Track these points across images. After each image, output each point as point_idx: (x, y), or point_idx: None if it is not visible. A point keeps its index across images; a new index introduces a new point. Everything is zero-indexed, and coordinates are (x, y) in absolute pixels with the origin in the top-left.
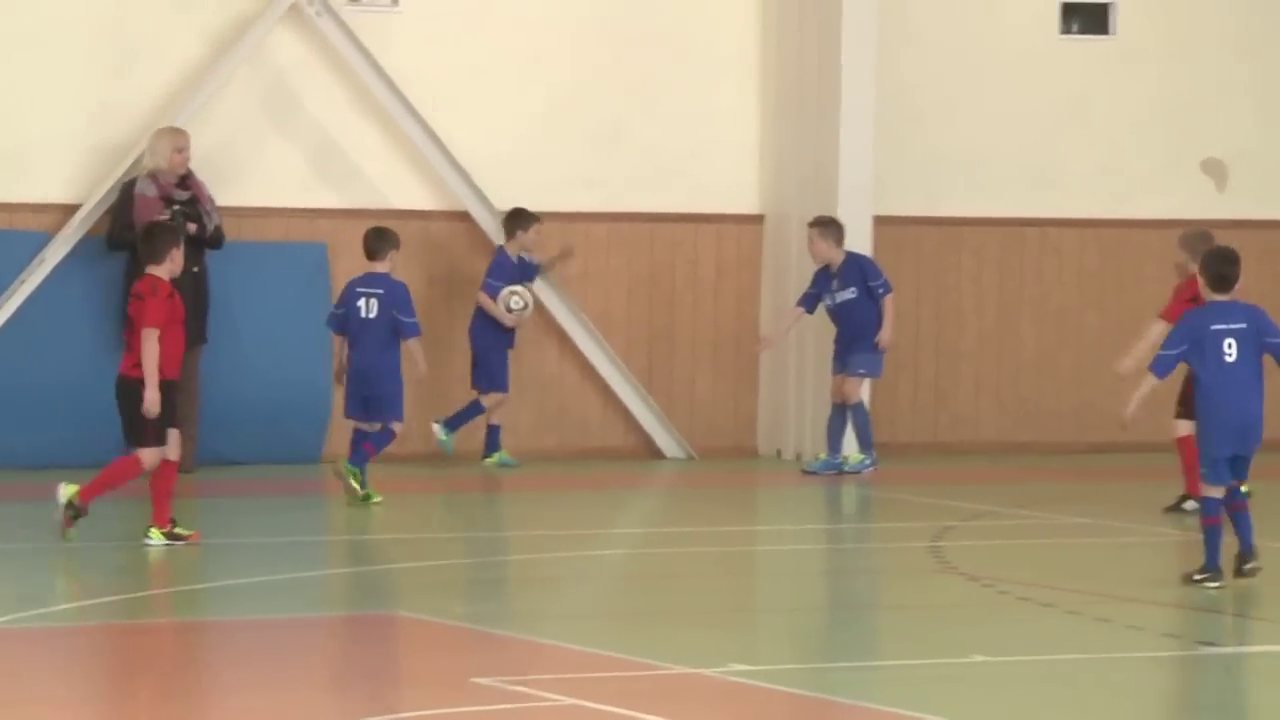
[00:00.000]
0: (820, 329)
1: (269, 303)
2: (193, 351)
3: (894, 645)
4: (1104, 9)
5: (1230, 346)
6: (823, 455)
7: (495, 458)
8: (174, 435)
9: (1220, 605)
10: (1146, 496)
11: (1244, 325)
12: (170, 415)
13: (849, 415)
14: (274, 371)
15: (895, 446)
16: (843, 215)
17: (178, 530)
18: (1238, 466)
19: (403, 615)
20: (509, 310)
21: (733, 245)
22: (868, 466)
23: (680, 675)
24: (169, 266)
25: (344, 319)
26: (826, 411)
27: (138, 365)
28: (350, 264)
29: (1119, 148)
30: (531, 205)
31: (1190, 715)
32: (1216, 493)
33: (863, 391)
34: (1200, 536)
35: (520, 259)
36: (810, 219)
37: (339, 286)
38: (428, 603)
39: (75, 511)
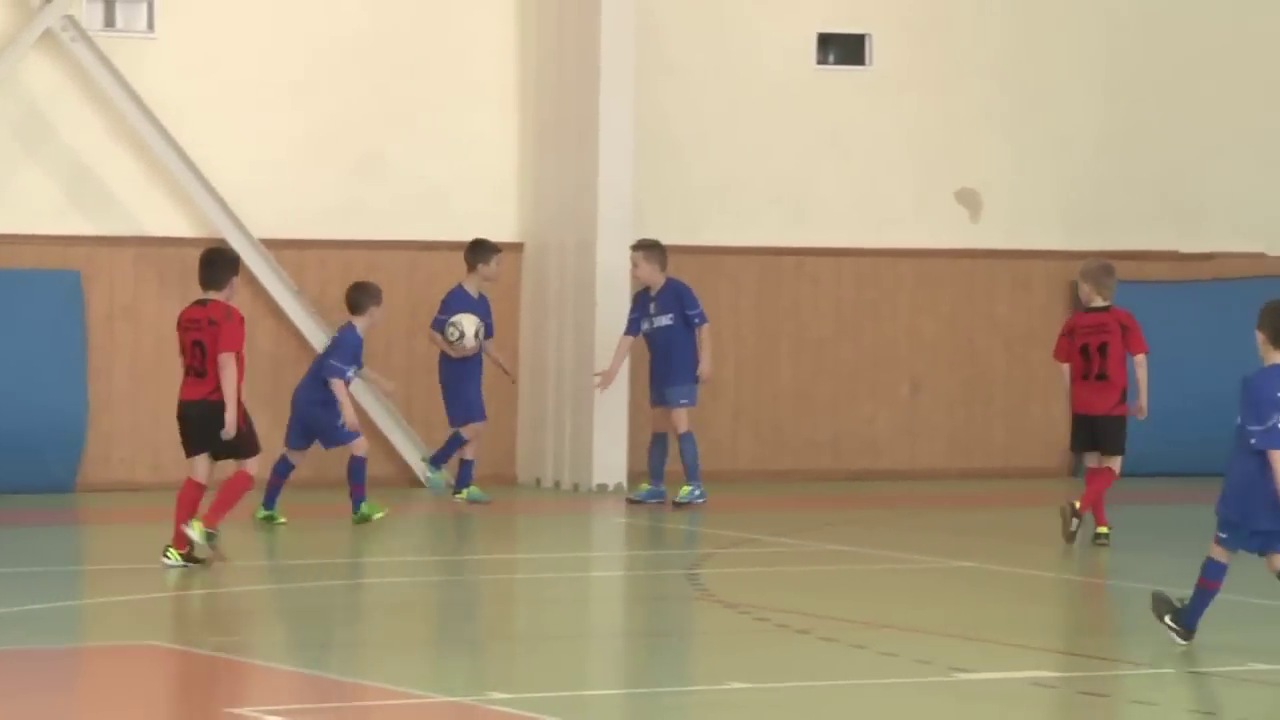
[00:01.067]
0: (578, 355)
1: (22, 331)
2: None
3: (652, 673)
4: (860, 40)
5: None
6: (645, 485)
7: (465, 493)
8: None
9: (973, 632)
10: (901, 523)
11: None
12: (251, 432)
13: (679, 446)
14: (27, 400)
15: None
16: (602, 243)
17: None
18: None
19: (156, 645)
20: (449, 341)
21: None
22: (698, 498)
23: (439, 704)
24: (228, 293)
25: None
26: (582, 438)
27: (218, 390)
28: (105, 292)
29: (874, 177)
30: (291, 234)
31: None
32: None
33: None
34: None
35: (480, 295)
36: (574, 246)
37: (93, 314)
38: (182, 633)
39: (210, 537)
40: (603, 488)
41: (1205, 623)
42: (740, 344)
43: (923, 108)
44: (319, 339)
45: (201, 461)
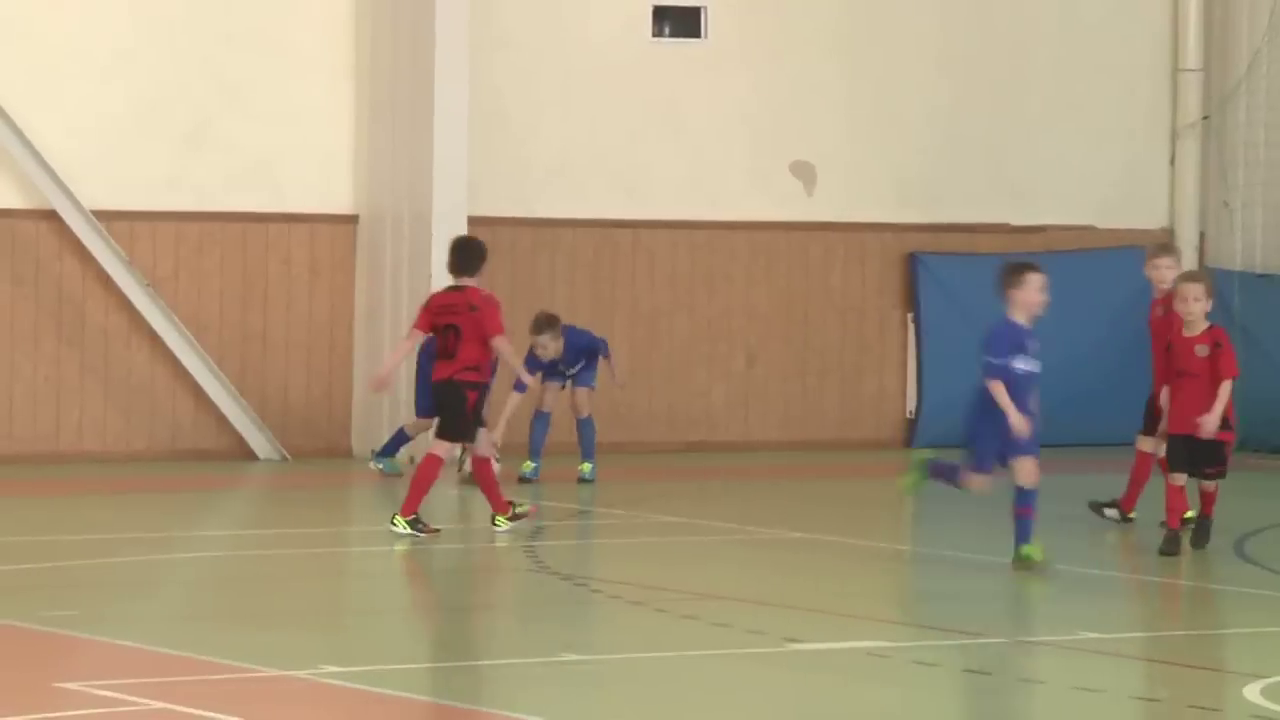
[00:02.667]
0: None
1: None
2: None
3: (486, 645)
4: (695, 13)
5: None
6: (530, 463)
7: (385, 464)
8: (483, 434)
9: (807, 603)
10: (735, 495)
11: None
12: (479, 416)
13: (578, 427)
14: None
15: None
16: (437, 216)
17: (421, 521)
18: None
19: None
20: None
21: (326, 245)
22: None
23: (271, 677)
24: (481, 279)
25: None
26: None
27: (466, 369)
28: None
29: (709, 151)
30: (122, 205)
31: (771, 711)
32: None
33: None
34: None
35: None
36: (409, 218)
37: None
38: (10, 607)
39: (421, 526)
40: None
41: (1032, 591)
42: (576, 317)
43: (758, 81)
44: (151, 311)
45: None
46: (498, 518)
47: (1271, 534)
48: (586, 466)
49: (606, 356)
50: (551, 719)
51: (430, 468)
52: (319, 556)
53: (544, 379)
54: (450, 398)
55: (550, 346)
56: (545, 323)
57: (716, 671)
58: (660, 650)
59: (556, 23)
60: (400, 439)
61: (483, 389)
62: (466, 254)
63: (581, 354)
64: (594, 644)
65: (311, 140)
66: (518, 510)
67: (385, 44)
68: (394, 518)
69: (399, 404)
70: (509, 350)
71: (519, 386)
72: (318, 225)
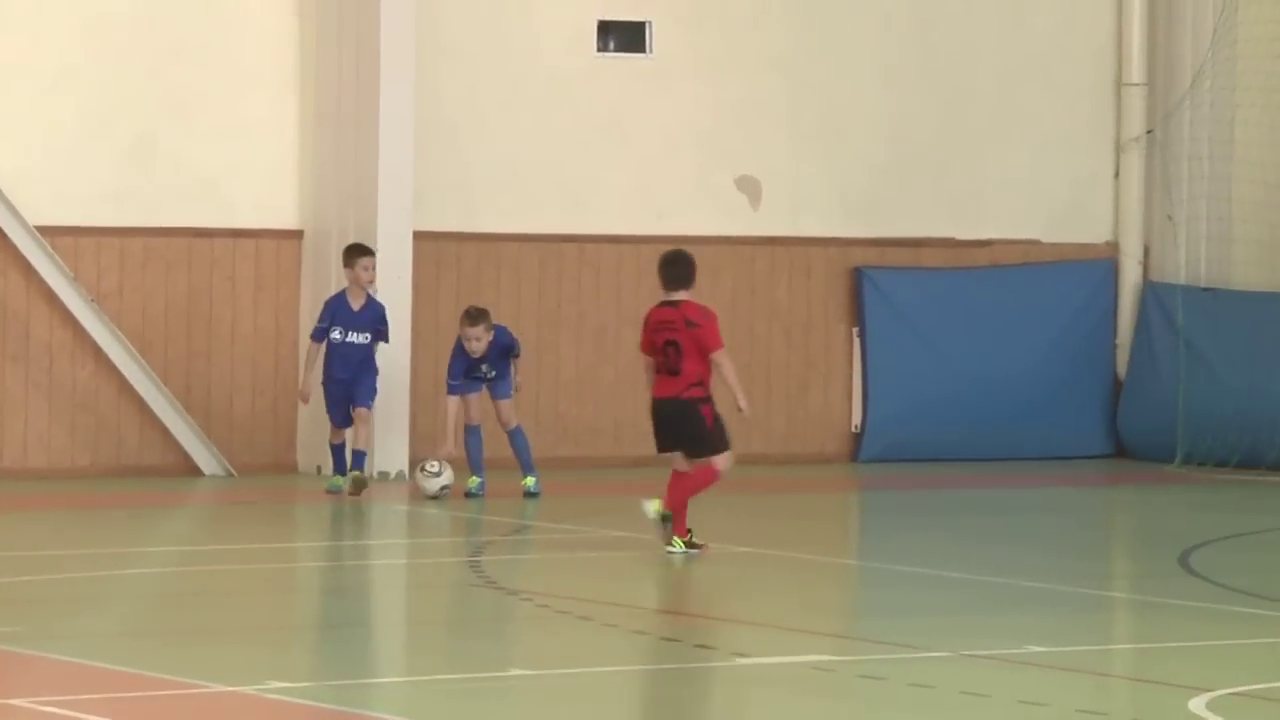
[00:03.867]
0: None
1: None
2: None
3: (432, 660)
4: (640, 27)
5: None
6: (475, 479)
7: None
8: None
9: (753, 617)
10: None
11: None
12: (721, 426)
13: (511, 441)
14: None
15: None
16: (383, 230)
17: (694, 540)
18: None
19: None
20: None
21: (271, 261)
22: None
23: (218, 693)
24: (692, 291)
25: None
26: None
27: (692, 386)
28: None
29: (655, 165)
30: (66, 220)
31: None
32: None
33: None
34: None
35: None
36: (354, 233)
37: None
38: None
39: (666, 519)
40: (384, 475)
41: (979, 605)
42: (521, 332)
43: (703, 96)
44: (96, 327)
45: (679, 455)
46: (676, 539)
47: (1217, 547)
48: (530, 480)
49: (518, 356)
50: None
51: (704, 482)
52: (265, 572)
53: (464, 392)
54: (685, 415)
55: (483, 339)
56: (479, 314)
57: (664, 687)
58: (608, 665)
59: (502, 38)
60: (342, 455)
61: (712, 402)
62: (678, 267)
63: (503, 352)
64: (542, 659)
65: (257, 155)
66: (695, 540)
67: (330, 59)
68: (672, 539)
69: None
70: (728, 369)
71: (453, 390)
72: (263, 241)
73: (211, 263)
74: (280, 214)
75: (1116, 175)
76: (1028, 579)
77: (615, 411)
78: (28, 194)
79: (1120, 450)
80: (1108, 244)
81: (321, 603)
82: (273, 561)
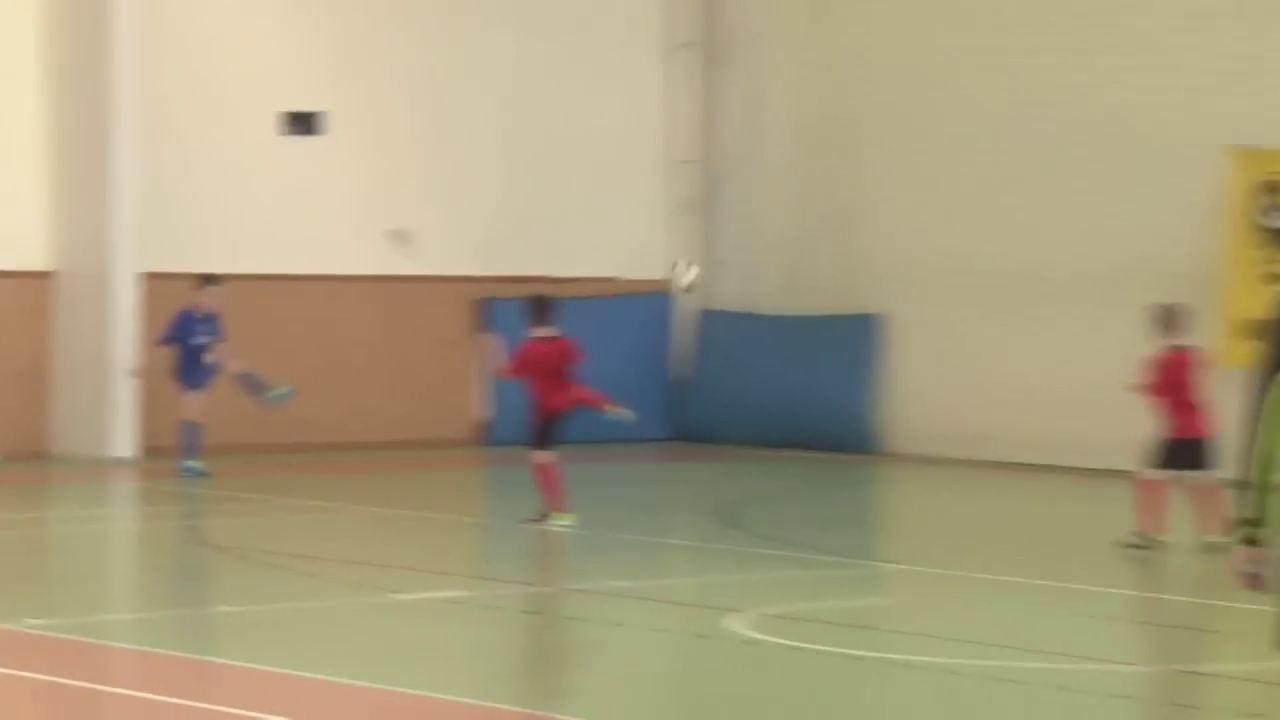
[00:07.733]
0: (100, 349)
1: None
2: None
3: (156, 600)
4: (315, 116)
5: None
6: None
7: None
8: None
9: (402, 562)
10: (348, 483)
11: None
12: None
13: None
14: None
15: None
16: (114, 272)
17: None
18: None
19: None
20: None
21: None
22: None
23: None
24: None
25: None
26: (102, 416)
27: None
28: None
29: (329, 220)
30: None
31: (383, 646)
32: None
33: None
34: None
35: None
36: (94, 275)
37: None
38: None
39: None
40: (121, 460)
41: (575, 551)
42: (239, 351)
43: (364, 167)
44: None
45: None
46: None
47: (743, 505)
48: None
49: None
50: (223, 657)
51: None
52: (14, 537)
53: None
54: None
55: (214, 304)
56: (212, 278)
57: (341, 617)
58: (285, 603)
59: (213, 119)
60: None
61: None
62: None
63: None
64: (245, 598)
65: (5, 197)
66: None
67: (69, 115)
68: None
69: (86, 405)
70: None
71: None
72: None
73: None
74: (30, 255)
75: (676, 227)
76: (609, 530)
77: (301, 409)
78: None
79: (678, 435)
80: (667, 280)
81: (66, 560)
82: (20, 529)
